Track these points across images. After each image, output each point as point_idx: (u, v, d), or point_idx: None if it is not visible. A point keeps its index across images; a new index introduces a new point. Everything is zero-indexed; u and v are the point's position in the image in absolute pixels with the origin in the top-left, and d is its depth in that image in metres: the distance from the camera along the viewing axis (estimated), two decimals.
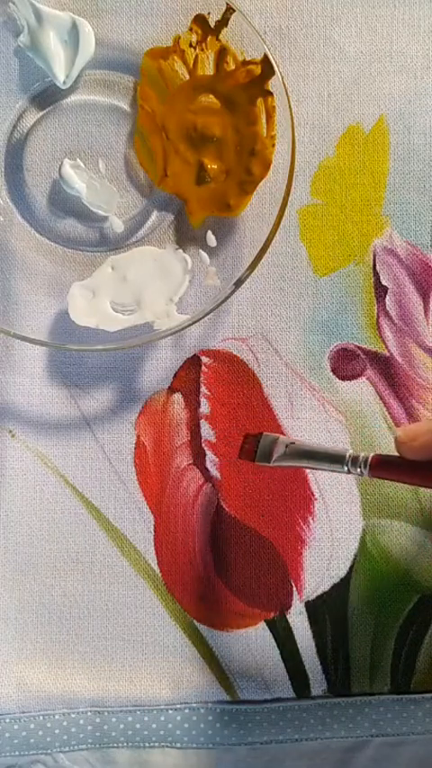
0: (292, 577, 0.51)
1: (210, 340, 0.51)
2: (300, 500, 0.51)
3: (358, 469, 0.41)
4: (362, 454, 0.41)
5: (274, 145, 0.48)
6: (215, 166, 0.48)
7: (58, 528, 0.51)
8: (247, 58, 0.48)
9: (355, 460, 0.41)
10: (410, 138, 0.50)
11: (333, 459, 0.42)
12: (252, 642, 0.51)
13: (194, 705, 0.51)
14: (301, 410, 0.50)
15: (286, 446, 0.43)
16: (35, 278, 0.51)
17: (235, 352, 0.51)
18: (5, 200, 0.51)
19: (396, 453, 0.41)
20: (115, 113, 0.50)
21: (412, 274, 0.50)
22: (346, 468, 0.42)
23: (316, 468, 0.43)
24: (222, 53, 0.48)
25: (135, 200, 0.51)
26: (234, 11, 0.47)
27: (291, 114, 0.47)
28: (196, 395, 0.51)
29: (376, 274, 0.50)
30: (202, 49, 0.48)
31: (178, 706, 0.51)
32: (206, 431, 0.51)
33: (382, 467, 0.41)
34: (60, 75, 0.49)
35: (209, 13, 0.48)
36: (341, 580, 0.51)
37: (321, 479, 0.50)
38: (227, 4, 0.47)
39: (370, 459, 0.41)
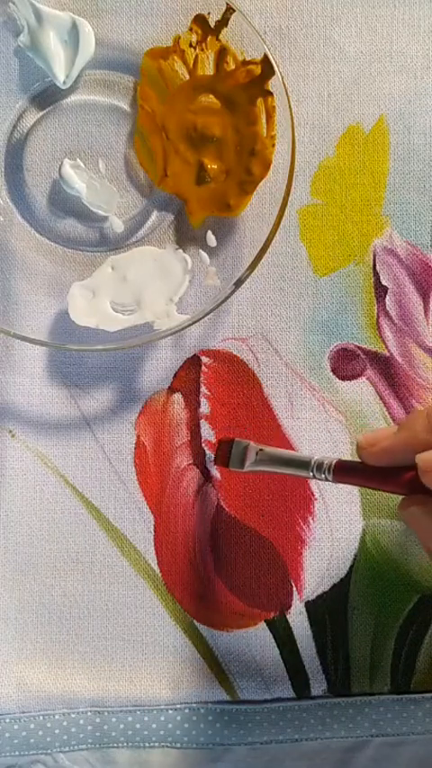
0: (292, 577, 0.51)
1: (210, 340, 0.51)
2: (300, 500, 0.51)
3: (323, 475, 0.42)
4: (326, 460, 0.42)
5: (274, 145, 0.48)
6: (215, 166, 0.48)
7: (58, 528, 0.51)
8: (247, 58, 0.48)
9: (319, 466, 0.42)
10: (410, 138, 0.50)
11: (299, 465, 0.43)
12: (252, 642, 0.51)
13: (194, 705, 0.51)
14: (301, 410, 0.50)
15: (256, 453, 0.44)
16: (35, 278, 0.51)
17: (235, 352, 0.51)
18: (5, 200, 0.51)
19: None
20: (115, 113, 0.50)
21: (412, 274, 0.50)
22: (311, 474, 0.42)
23: (285, 474, 0.44)
24: (222, 53, 0.48)
25: (135, 200, 0.51)
26: (234, 11, 0.47)
27: (291, 114, 0.47)
28: (196, 395, 0.51)
29: (376, 274, 0.50)
30: (202, 49, 0.48)
31: (178, 706, 0.51)
32: (206, 431, 0.51)
33: (344, 472, 0.42)
34: (60, 75, 0.49)
35: (209, 13, 0.48)
36: (341, 580, 0.51)
37: None
38: (227, 4, 0.47)
39: (333, 465, 0.42)
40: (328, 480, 0.42)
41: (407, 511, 0.40)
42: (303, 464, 0.43)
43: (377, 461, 0.40)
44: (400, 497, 0.41)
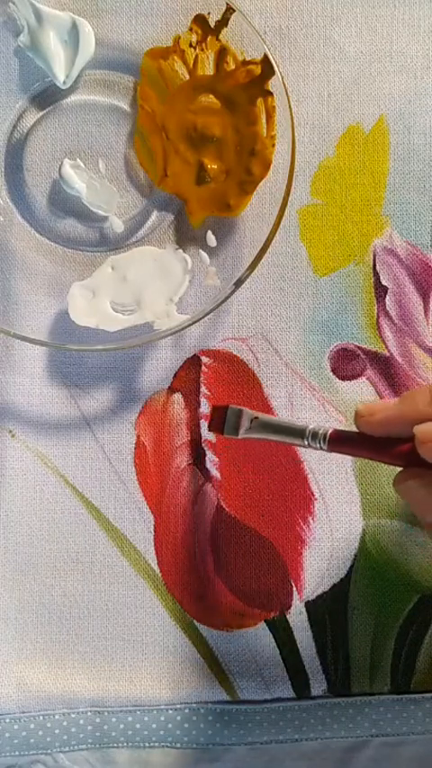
0: (292, 577, 0.51)
1: (210, 340, 0.51)
2: (300, 500, 0.51)
3: (317, 444, 0.42)
4: (321, 429, 0.42)
5: (274, 145, 0.48)
6: (215, 166, 0.48)
7: (58, 528, 0.51)
8: (247, 58, 0.48)
9: (314, 435, 0.42)
10: (410, 138, 0.50)
11: (294, 433, 0.42)
12: (252, 642, 0.51)
13: (194, 705, 0.51)
14: (301, 410, 0.50)
15: (251, 420, 0.44)
16: (35, 278, 0.51)
17: (235, 352, 0.51)
18: (5, 200, 0.51)
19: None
20: (115, 113, 0.50)
21: (412, 274, 0.50)
22: (306, 442, 0.42)
23: (280, 442, 0.43)
24: (222, 53, 0.48)
25: (135, 200, 0.51)
26: (234, 11, 0.47)
27: (291, 114, 0.47)
28: (196, 395, 0.51)
29: (376, 274, 0.50)
30: (202, 49, 0.48)
31: (178, 706, 0.51)
32: (206, 431, 0.51)
33: (340, 441, 0.41)
34: (60, 75, 0.49)
35: (209, 13, 0.48)
36: (341, 580, 0.51)
37: (321, 479, 0.50)
38: (227, 4, 0.47)
39: (328, 434, 0.41)
40: (323, 449, 0.41)
41: (403, 485, 0.39)
42: (298, 432, 0.42)
43: (374, 431, 0.40)
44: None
